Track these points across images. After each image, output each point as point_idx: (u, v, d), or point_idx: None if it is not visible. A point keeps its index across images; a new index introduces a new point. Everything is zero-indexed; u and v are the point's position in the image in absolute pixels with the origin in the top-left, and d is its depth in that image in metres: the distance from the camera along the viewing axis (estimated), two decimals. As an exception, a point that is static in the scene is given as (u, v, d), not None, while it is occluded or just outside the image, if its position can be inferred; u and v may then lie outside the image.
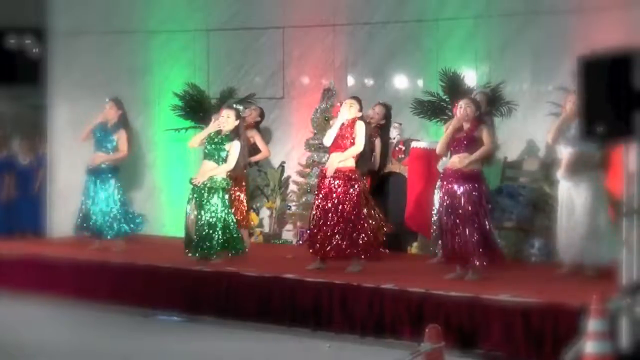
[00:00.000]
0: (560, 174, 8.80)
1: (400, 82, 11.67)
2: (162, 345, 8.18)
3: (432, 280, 8.38)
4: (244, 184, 10.54)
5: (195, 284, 9.29)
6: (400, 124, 10.86)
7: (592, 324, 5.90)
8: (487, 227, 8.55)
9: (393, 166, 10.80)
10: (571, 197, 8.66)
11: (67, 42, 12.72)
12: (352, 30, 11.74)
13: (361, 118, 9.17)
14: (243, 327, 8.67)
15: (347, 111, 9.06)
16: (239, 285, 9.01)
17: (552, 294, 7.63)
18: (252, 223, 11.36)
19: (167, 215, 12.34)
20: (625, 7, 9.54)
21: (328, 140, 9.14)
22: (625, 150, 6.19)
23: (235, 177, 10.05)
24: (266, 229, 12.08)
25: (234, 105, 10.19)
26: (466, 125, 8.60)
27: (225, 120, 9.59)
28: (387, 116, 10.37)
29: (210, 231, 9.50)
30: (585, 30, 9.81)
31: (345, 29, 11.79)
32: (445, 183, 8.67)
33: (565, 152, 8.74)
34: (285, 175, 12.10)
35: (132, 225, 10.97)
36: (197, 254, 9.55)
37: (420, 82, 11.35)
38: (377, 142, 10.21)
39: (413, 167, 10.39)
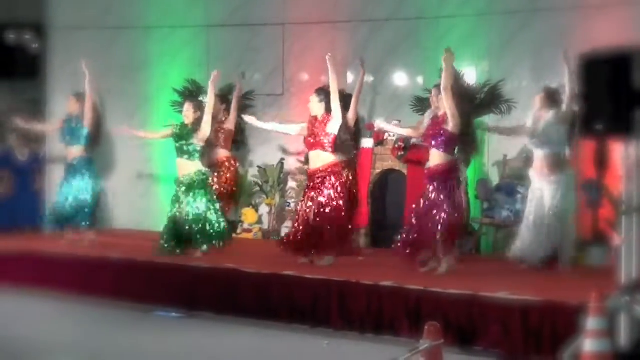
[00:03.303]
0: (534, 173, 8.82)
1: (400, 79, 11.67)
2: (160, 341, 8.17)
3: (430, 278, 8.37)
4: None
5: (194, 280, 9.29)
6: (400, 121, 10.84)
7: (591, 322, 5.89)
8: (454, 220, 8.54)
9: (393, 164, 10.79)
10: (543, 196, 8.68)
11: (67, 37, 12.72)
12: (353, 27, 11.75)
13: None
14: (241, 324, 8.65)
15: (318, 107, 9.15)
16: (237, 281, 9.00)
17: (551, 291, 7.61)
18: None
19: (164, 210, 12.31)
20: (625, 5, 9.54)
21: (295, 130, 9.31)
22: (625, 149, 6.19)
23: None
24: (265, 226, 12.07)
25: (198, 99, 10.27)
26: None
27: (186, 113, 9.74)
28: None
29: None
30: (585, 28, 9.81)
31: (346, 25, 11.80)
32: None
33: (537, 152, 8.77)
34: (284, 171, 12.10)
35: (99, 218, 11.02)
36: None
37: (420, 80, 11.36)
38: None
39: (413, 164, 10.37)
